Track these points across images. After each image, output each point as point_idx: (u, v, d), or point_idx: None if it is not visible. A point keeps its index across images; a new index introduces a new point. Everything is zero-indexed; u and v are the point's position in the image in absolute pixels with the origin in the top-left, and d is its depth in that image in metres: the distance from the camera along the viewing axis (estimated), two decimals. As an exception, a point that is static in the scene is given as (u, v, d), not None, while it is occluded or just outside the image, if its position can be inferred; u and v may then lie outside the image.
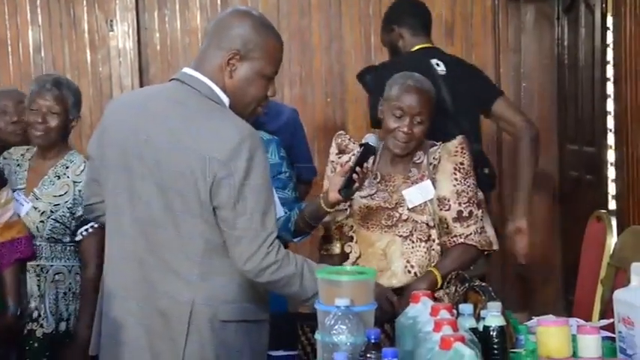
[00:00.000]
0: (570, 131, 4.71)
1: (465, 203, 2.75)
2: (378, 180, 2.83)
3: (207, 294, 2.19)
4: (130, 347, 2.24)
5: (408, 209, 2.76)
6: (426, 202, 2.77)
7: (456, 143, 2.81)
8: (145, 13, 4.72)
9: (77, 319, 3.10)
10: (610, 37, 4.10)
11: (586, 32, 4.44)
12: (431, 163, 2.80)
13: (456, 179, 2.76)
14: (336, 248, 2.87)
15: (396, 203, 2.77)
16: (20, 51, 4.62)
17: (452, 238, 2.74)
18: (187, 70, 2.27)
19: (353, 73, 4.73)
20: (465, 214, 2.75)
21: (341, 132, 2.98)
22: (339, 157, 2.88)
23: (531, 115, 4.85)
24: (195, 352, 2.19)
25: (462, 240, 2.74)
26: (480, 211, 2.81)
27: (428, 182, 2.77)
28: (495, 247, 2.96)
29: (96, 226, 3.01)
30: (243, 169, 2.12)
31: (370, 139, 2.71)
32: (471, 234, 2.74)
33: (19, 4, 4.62)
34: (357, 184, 2.60)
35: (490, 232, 2.98)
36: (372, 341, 1.93)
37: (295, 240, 2.85)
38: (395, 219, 2.76)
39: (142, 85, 4.60)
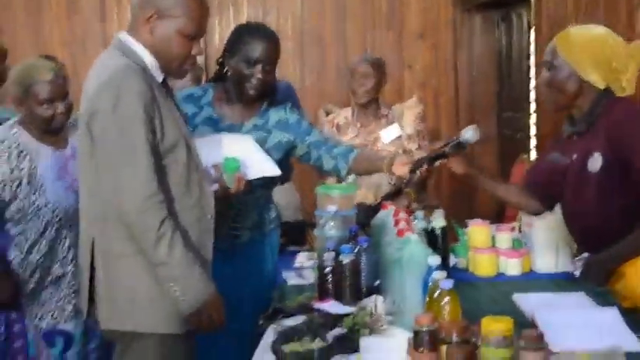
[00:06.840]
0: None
1: (422, 140, 3.67)
2: (358, 127, 3.69)
3: None
4: None
5: (382, 143, 3.61)
6: (394, 138, 3.62)
7: (415, 99, 3.77)
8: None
9: None
10: (532, 37, 4.75)
11: (517, 32, 5.20)
12: (394, 115, 3.69)
13: (417, 123, 3.68)
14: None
15: (375, 139, 3.63)
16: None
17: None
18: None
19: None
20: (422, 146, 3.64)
21: (328, 104, 3.93)
22: (327, 116, 3.75)
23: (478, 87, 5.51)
24: None
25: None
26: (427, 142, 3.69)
27: (396, 125, 3.64)
28: None
29: None
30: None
31: (468, 133, 2.59)
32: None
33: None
34: (417, 174, 2.65)
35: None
36: (352, 234, 2.43)
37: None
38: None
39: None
